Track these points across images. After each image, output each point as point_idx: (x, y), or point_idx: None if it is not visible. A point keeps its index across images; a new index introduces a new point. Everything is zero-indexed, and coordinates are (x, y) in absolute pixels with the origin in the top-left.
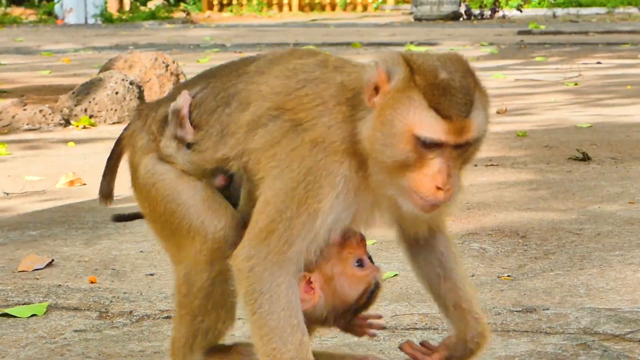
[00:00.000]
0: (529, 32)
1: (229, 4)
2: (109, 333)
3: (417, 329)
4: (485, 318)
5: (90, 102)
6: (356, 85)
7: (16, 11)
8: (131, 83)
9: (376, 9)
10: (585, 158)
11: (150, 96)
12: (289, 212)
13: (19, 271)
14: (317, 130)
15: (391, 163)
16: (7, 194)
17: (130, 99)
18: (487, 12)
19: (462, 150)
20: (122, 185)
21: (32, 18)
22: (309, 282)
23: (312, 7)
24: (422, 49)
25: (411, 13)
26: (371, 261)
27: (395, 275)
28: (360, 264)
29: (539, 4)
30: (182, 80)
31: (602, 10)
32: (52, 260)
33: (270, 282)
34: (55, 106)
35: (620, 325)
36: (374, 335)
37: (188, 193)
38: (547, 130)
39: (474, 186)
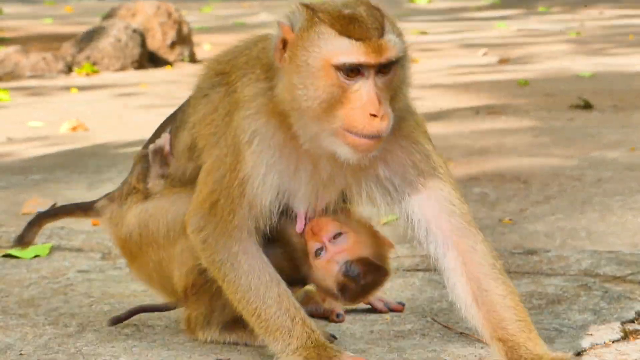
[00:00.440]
0: None
1: None
2: (111, 274)
3: (419, 270)
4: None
5: (93, 49)
6: (270, 50)
7: None
8: (134, 31)
9: None
10: (587, 106)
11: (153, 44)
12: (225, 182)
13: (23, 214)
14: (239, 91)
15: (317, 106)
16: (10, 139)
17: (133, 47)
18: None
19: (386, 78)
20: None
21: None
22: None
23: None
24: None
25: None
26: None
27: (397, 218)
28: (318, 253)
29: None
30: (184, 28)
31: None
32: (55, 203)
33: (226, 252)
34: (58, 53)
35: (621, 267)
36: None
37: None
38: (548, 79)
39: (475, 133)
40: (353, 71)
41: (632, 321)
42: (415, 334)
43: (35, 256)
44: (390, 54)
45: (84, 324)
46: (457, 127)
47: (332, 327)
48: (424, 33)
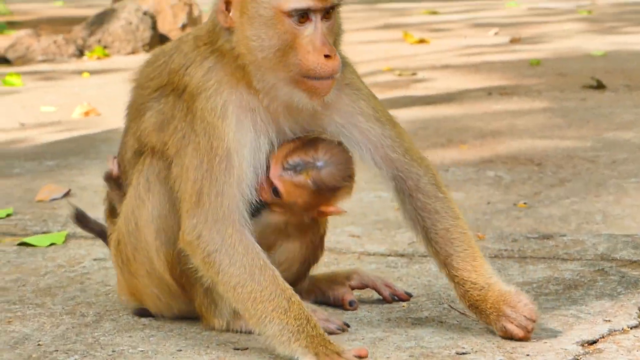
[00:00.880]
0: None
1: None
2: None
3: None
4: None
5: (104, 32)
6: (208, 27)
7: None
8: (144, 13)
9: None
10: (600, 86)
11: (164, 26)
12: (204, 166)
13: (37, 201)
14: (191, 83)
15: (272, 55)
16: (23, 124)
17: (144, 29)
18: None
19: (329, 23)
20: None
21: None
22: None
23: None
24: None
25: None
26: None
27: None
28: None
29: None
30: (195, 10)
31: None
32: (69, 190)
33: (220, 238)
34: (69, 37)
35: (638, 251)
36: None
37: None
38: (560, 58)
39: (488, 114)
40: (303, 17)
41: None
42: (433, 321)
43: (51, 244)
44: None
45: (101, 313)
46: (469, 108)
47: (348, 316)
48: (434, 13)
